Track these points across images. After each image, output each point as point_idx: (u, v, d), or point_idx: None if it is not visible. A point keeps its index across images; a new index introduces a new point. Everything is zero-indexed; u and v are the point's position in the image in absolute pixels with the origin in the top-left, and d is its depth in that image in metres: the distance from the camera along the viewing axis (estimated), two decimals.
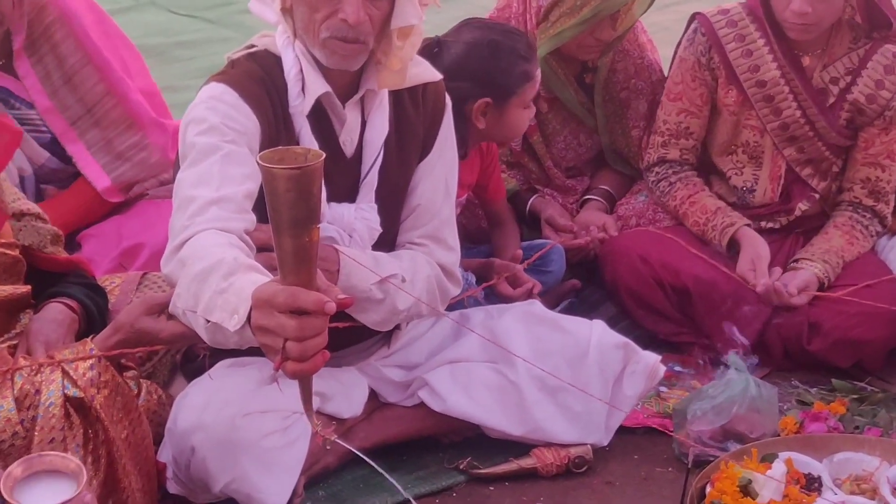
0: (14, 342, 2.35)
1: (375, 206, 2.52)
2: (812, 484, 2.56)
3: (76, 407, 2.17)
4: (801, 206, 3.36)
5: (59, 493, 1.55)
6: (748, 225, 3.28)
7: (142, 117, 3.13)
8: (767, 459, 2.57)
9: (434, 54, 2.88)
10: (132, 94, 3.15)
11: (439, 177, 2.63)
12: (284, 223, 1.54)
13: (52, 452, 1.67)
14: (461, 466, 2.70)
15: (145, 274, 2.73)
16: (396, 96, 2.53)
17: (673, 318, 3.27)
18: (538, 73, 3.02)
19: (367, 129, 2.49)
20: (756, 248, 3.22)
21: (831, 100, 3.25)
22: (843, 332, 3.15)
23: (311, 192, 1.52)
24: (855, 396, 3.08)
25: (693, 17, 3.35)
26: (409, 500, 2.49)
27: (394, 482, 1.86)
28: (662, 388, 3.06)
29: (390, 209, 2.57)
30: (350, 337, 2.53)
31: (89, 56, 3.09)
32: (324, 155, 1.53)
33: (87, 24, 3.11)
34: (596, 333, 2.76)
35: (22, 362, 2.20)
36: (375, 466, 1.82)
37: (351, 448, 2.37)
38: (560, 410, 2.70)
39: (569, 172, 3.63)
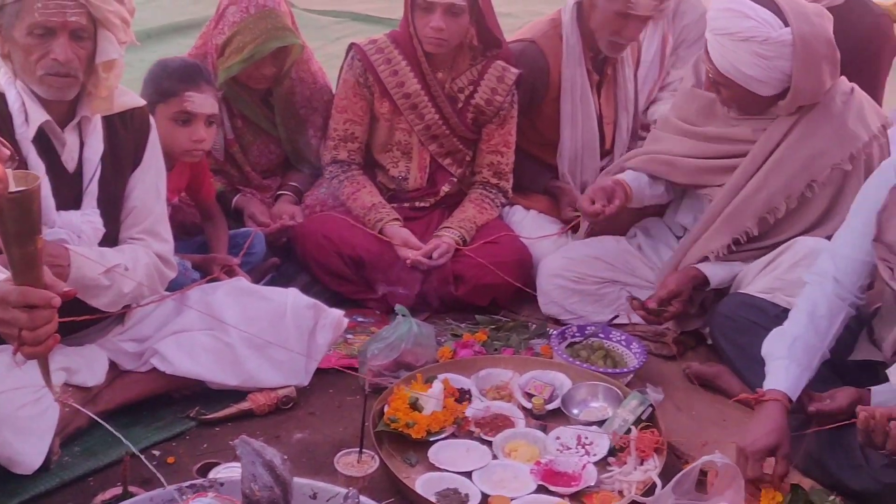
0: None
1: (98, 211, 2.50)
2: (464, 396, 2.76)
3: None
4: (444, 189, 3.57)
5: None
6: (396, 219, 3.39)
7: None
8: (430, 381, 2.74)
9: None
10: None
11: (151, 183, 2.63)
12: (11, 236, 1.53)
13: None
14: (191, 415, 2.70)
15: None
16: (108, 120, 2.52)
17: (353, 280, 3.38)
18: (189, 96, 2.97)
19: (85, 149, 2.48)
20: (400, 236, 3.36)
21: (460, 104, 3.45)
22: (480, 279, 3.36)
23: (31, 210, 1.51)
24: (493, 326, 3.31)
25: (350, 46, 3.47)
26: (147, 448, 2.50)
27: (122, 437, 1.87)
28: (349, 336, 3.15)
29: (111, 212, 2.56)
30: (88, 321, 2.42)
31: None
32: (40, 179, 1.53)
33: None
34: (291, 298, 2.81)
35: None
36: (109, 427, 1.85)
37: (85, 411, 2.38)
38: (267, 361, 2.75)
39: (264, 174, 3.66)
